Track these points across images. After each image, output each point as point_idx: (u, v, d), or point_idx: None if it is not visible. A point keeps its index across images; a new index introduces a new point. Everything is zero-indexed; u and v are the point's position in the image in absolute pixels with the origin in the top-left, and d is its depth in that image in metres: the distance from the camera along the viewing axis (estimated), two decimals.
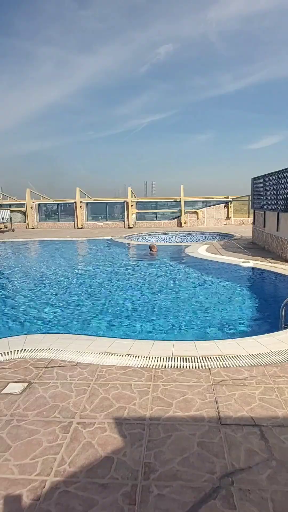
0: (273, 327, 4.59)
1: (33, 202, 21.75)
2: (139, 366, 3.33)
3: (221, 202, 21.02)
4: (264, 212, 10.93)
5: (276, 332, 4.21)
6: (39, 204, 22.16)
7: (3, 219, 20.55)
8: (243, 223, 20.69)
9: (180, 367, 3.30)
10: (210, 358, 3.45)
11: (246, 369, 3.23)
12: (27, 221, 21.58)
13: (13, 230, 20.31)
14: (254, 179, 12.39)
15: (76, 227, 21.42)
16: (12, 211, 21.51)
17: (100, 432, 2.38)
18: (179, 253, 11.33)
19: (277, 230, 9.62)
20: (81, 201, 21.28)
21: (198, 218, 20.76)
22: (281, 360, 3.38)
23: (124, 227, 21.01)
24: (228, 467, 2.05)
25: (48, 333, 4.66)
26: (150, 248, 11.77)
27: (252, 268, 8.33)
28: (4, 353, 3.65)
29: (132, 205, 20.87)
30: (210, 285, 7.33)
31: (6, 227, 20.93)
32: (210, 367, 3.28)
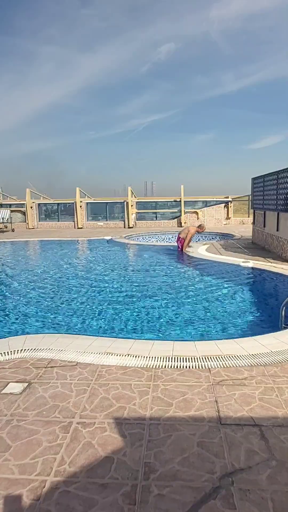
0: (273, 327, 4.59)
1: (33, 202, 21.74)
2: (139, 366, 3.33)
3: (221, 202, 21.02)
4: (264, 212, 10.93)
5: (276, 332, 4.21)
6: (39, 204, 22.15)
7: (3, 219, 20.54)
8: (243, 223, 20.69)
9: (180, 367, 3.30)
10: (210, 358, 3.45)
11: (246, 369, 3.23)
12: (27, 221, 21.57)
13: (13, 230, 20.30)
14: (254, 179, 12.39)
15: (76, 227, 21.42)
16: (12, 211, 21.49)
17: (100, 432, 2.38)
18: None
19: (277, 230, 9.62)
20: (81, 201, 21.27)
21: (198, 218, 20.75)
22: (281, 360, 3.39)
23: (124, 227, 21.01)
24: (228, 467, 2.05)
25: (48, 333, 4.66)
26: (199, 226, 11.66)
27: (252, 268, 8.33)
28: (4, 353, 3.65)
29: (132, 205, 20.87)
30: (210, 285, 7.33)
31: (6, 227, 20.92)
32: (210, 367, 3.28)
